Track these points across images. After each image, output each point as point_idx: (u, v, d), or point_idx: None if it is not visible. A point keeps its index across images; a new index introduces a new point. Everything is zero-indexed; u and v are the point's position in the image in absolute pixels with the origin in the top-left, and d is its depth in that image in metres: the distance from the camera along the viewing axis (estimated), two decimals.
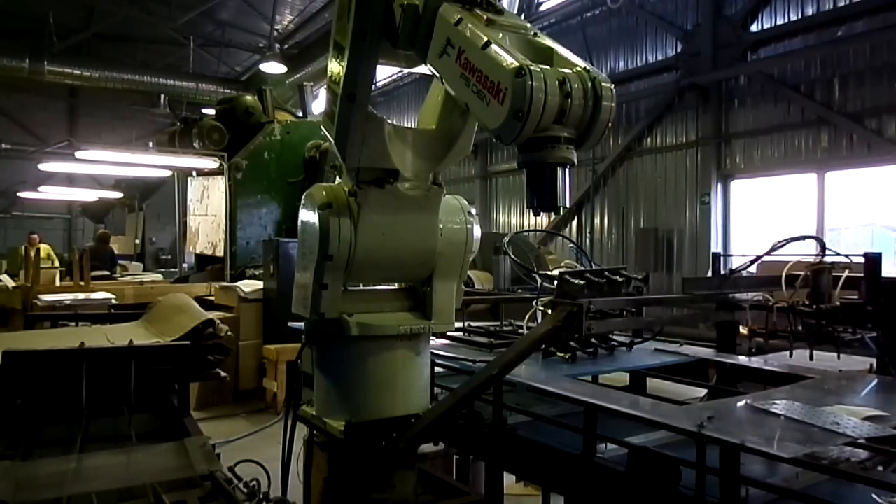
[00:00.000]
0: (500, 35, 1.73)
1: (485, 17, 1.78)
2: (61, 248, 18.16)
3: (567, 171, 1.68)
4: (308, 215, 2.23)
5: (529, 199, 1.71)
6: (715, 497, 1.82)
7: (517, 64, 1.56)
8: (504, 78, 1.57)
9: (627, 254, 11.95)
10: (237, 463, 2.48)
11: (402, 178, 2.19)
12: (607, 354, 3.17)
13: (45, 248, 13.64)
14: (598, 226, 12.65)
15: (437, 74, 1.91)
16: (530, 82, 1.54)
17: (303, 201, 2.29)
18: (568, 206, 1.72)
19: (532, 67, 1.56)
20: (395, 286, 2.49)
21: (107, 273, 11.14)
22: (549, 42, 1.79)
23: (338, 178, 2.31)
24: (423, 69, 2.08)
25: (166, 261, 14.64)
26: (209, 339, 3.70)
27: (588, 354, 3.09)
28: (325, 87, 2.21)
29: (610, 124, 1.65)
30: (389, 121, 2.25)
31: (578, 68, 1.65)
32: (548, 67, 1.62)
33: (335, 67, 2.11)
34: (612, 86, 1.65)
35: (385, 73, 16.02)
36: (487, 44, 1.65)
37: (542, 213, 1.80)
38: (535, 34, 1.82)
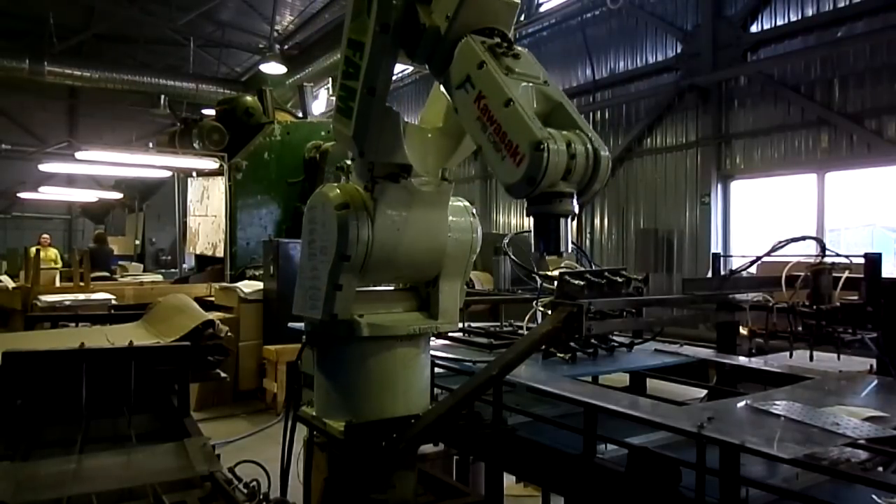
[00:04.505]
0: (520, 88, 1.82)
1: (505, 64, 1.87)
2: (61, 249, 18.16)
3: (569, 220, 1.83)
4: (321, 215, 2.22)
5: (536, 244, 1.86)
6: (715, 498, 1.81)
7: (538, 137, 1.68)
8: (523, 144, 1.70)
9: (627, 254, 11.95)
10: (237, 463, 2.48)
11: (413, 173, 2.22)
12: (607, 355, 3.17)
13: (52, 251, 13.74)
14: (598, 226, 12.65)
15: (451, 101, 2.00)
16: (546, 157, 1.68)
17: (313, 202, 2.28)
18: (570, 251, 1.88)
19: (550, 142, 1.69)
20: (401, 286, 2.50)
21: (105, 274, 11.14)
22: (557, 95, 1.89)
23: (342, 179, 2.31)
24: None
25: (166, 261, 14.65)
26: (209, 339, 3.70)
27: (588, 355, 3.09)
28: (337, 85, 2.21)
29: (605, 181, 1.83)
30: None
31: (579, 131, 1.79)
32: (559, 133, 1.73)
33: (352, 64, 2.12)
34: (608, 152, 1.82)
35: None
36: (510, 101, 1.76)
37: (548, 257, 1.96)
38: (546, 81, 1.92)
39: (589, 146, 1.77)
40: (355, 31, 2.12)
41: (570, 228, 1.84)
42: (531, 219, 1.86)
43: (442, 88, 2.28)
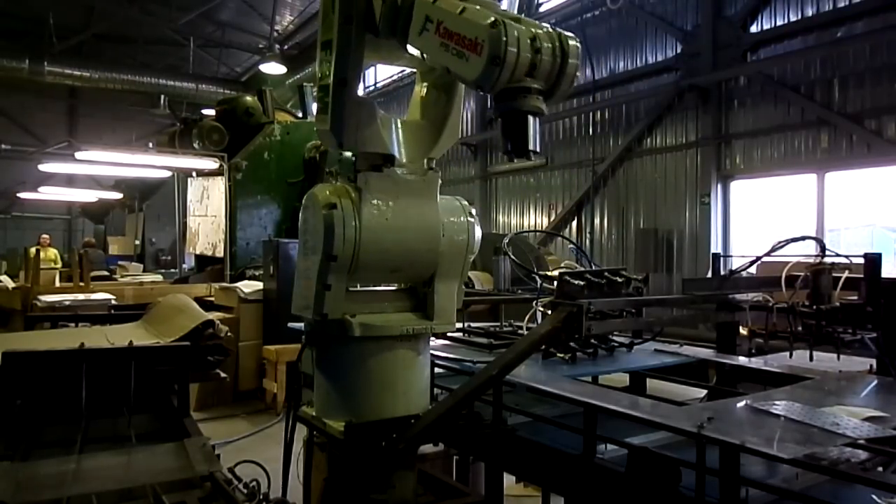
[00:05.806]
0: (474, 5, 1.90)
1: None
2: (61, 249, 18.17)
3: (537, 119, 1.84)
4: (311, 216, 2.23)
5: (504, 145, 1.87)
6: (715, 498, 1.82)
7: (492, 18, 1.75)
8: (480, 32, 1.76)
9: (627, 254, 11.95)
10: (237, 463, 2.48)
11: (397, 163, 2.25)
12: (607, 355, 3.17)
13: (52, 252, 13.79)
14: (598, 226, 12.65)
15: (419, 52, 2.07)
16: (504, 31, 1.72)
17: (305, 202, 2.29)
18: (538, 151, 1.86)
19: (505, 20, 1.74)
20: (397, 287, 2.50)
21: (104, 273, 11.23)
22: (516, 14, 1.92)
23: (335, 183, 2.33)
24: (401, 66, 2.21)
25: (166, 261, 14.66)
26: (209, 339, 3.70)
27: (588, 355, 3.09)
28: (316, 89, 2.29)
29: (576, 78, 1.84)
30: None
31: (547, 28, 1.82)
32: (524, 29, 1.77)
33: (325, 63, 2.22)
34: (579, 43, 1.83)
35: (385, 73, 16.10)
36: (463, 10, 1.84)
37: (515, 159, 1.92)
38: (504, 11, 1.96)
39: (556, 42, 1.79)
40: (324, 32, 2.22)
41: (537, 128, 1.83)
42: (499, 121, 1.86)
43: (415, 87, 2.41)
